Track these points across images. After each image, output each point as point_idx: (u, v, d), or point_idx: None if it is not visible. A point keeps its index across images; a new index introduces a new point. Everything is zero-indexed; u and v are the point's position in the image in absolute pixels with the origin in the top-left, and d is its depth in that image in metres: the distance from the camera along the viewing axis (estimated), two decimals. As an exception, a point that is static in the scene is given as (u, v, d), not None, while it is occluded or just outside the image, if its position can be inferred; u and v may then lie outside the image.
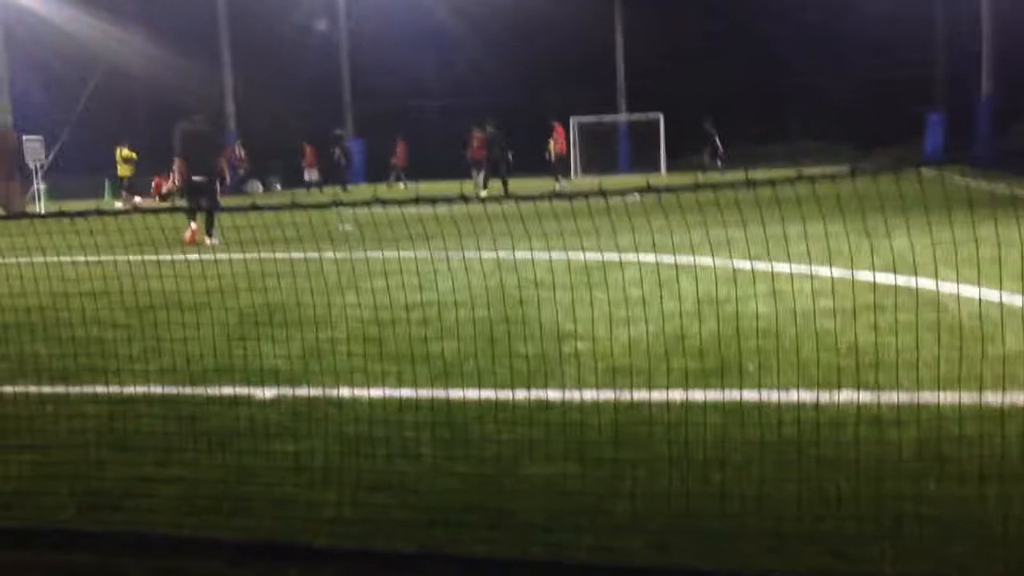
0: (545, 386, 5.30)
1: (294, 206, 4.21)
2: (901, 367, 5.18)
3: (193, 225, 15.95)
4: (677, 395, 5.03)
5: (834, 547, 3.31)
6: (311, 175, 39.00)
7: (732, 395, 4.93)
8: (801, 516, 3.51)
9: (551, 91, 40.26)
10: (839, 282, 8.12)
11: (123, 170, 32.08)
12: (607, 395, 5.12)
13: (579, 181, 35.84)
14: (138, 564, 3.44)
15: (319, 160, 39.37)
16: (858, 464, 3.90)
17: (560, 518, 3.62)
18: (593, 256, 10.43)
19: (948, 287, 7.63)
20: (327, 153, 39.62)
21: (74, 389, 5.78)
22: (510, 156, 29.19)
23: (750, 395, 4.96)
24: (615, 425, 4.58)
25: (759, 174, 4.80)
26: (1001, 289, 6.88)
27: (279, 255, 12.36)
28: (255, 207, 4.36)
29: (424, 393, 5.33)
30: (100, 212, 4.27)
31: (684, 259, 9.57)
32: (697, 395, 5.00)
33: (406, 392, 5.35)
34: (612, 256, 10.19)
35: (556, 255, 10.59)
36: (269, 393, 5.45)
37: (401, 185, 38.46)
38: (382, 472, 4.12)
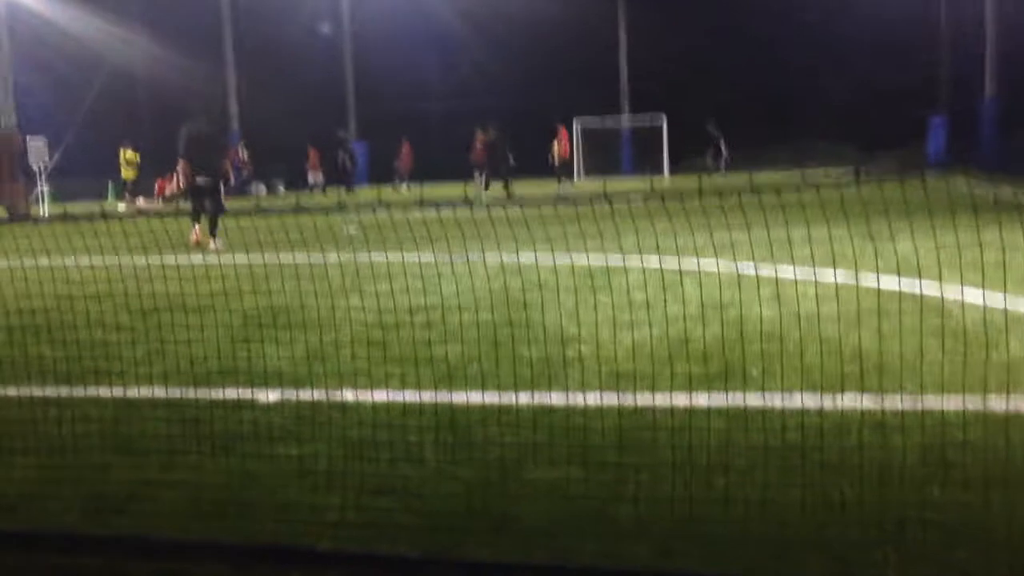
0: (549, 390, 5.30)
1: (299, 209, 4.22)
2: (905, 372, 5.18)
3: (197, 227, 15.96)
4: (681, 399, 5.03)
5: (838, 552, 3.31)
6: (315, 177, 39.04)
7: (736, 400, 4.93)
8: (805, 521, 3.51)
9: (554, 93, 40.24)
10: (843, 286, 8.11)
11: (126, 172, 32.12)
12: (611, 399, 5.12)
13: (582, 184, 35.86)
14: (142, 568, 3.44)
15: (323, 162, 39.40)
16: (862, 469, 3.90)
17: (564, 523, 3.62)
18: (597, 259, 10.42)
19: (952, 292, 7.62)
20: (331, 155, 39.66)
21: (78, 392, 5.78)
22: (511, 159, 29.26)
23: (754, 400, 4.96)
24: (619, 430, 4.58)
25: (763, 177, 4.80)
26: (1005, 294, 6.88)
27: (283, 258, 12.37)
28: (260, 209, 4.37)
29: (428, 397, 5.33)
30: (105, 215, 4.28)
31: (688, 263, 9.57)
32: (701, 399, 5.00)
33: (410, 396, 5.36)
34: (616, 259, 10.19)
35: (559, 258, 10.59)
36: (273, 396, 5.46)
37: (404, 188, 38.47)
38: (386, 476, 4.12)
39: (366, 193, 35.78)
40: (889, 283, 8.07)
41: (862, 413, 4.63)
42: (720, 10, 41.48)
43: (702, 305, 7.52)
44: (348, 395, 5.39)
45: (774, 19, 40.59)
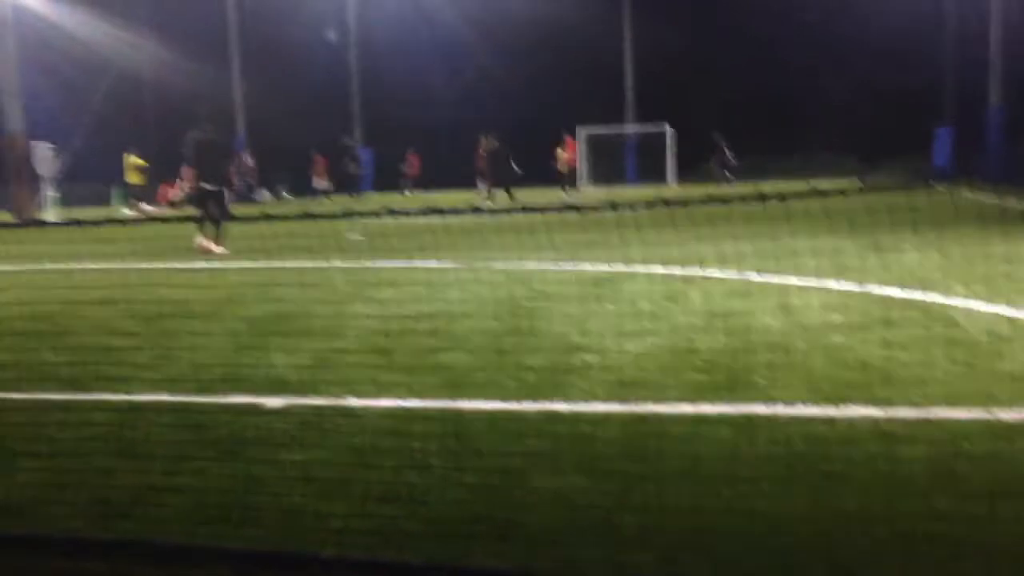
0: (554, 398, 5.29)
1: (305, 216, 4.23)
2: (911, 382, 5.17)
3: (202, 233, 15.98)
4: (686, 409, 5.02)
5: (844, 564, 3.29)
6: (320, 183, 39.11)
7: (742, 409, 4.92)
8: (811, 532, 3.50)
9: (560, 101, 40.30)
10: (849, 296, 8.10)
11: (132, 177, 32.19)
12: (616, 408, 5.11)
13: (587, 192, 35.87)
14: (147, 572, 3.44)
15: (329, 169, 39.48)
16: (868, 480, 3.89)
17: (569, 531, 3.61)
18: (602, 268, 10.42)
19: (958, 302, 7.61)
20: (338, 162, 39.73)
21: (84, 397, 5.78)
22: (513, 166, 29.41)
23: (760, 409, 4.95)
24: (624, 438, 4.58)
25: (768, 187, 4.80)
26: (1011, 305, 6.87)
27: (288, 264, 12.40)
28: (267, 216, 4.38)
29: (433, 404, 5.33)
30: (112, 221, 4.29)
31: (693, 271, 9.56)
32: (707, 409, 4.99)
33: (415, 403, 5.35)
34: (621, 268, 10.19)
35: (565, 266, 10.60)
36: (278, 402, 5.45)
37: (407, 194, 38.52)
38: (391, 483, 4.12)
39: (372, 200, 35.80)
40: (895, 293, 8.07)
41: (868, 423, 4.61)
42: (725, 19, 41.54)
43: (708, 314, 7.52)
44: (353, 402, 5.39)
45: (780, 29, 40.65)
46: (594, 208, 6.06)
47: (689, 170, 39.61)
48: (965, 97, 36.70)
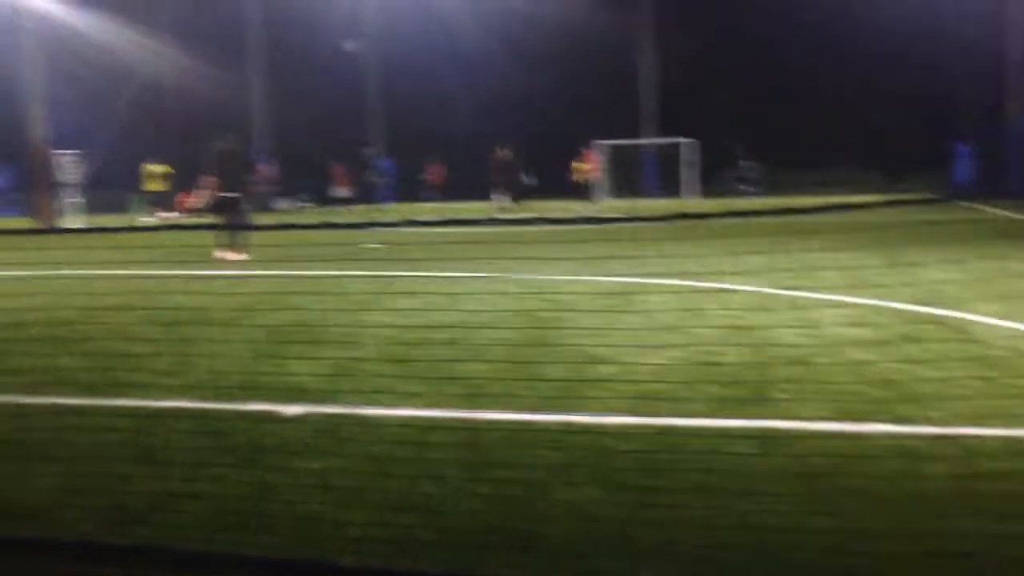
0: (572, 410, 5.27)
1: (324, 225, 4.23)
2: (933, 399, 5.13)
3: (222, 241, 16.05)
4: (705, 422, 4.99)
5: (865, 581, 3.26)
6: (340, 192, 39.21)
7: (761, 424, 4.89)
8: (830, 550, 3.46)
9: (579, 113, 40.32)
10: (870, 312, 8.05)
11: (151, 185, 32.36)
12: (634, 421, 5.08)
13: (606, 204, 35.83)
14: (163, 579, 3.44)
15: (350, 178, 39.58)
16: (888, 497, 3.85)
17: (587, 543, 3.59)
18: (622, 280, 10.40)
19: (980, 319, 7.55)
20: (360, 172, 39.84)
21: (102, 402, 5.80)
22: (524, 178, 29.56)
23: (779, 424, 4.91)
24: (642, 451, 4.55)
25: (790, 201, 4.78)
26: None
27: (307, 272, 12.43)
28: (289, 225, 4.38)
29: (450, 414, 5.32)
30: (133, 228, 4.31)
31: (714, 284, 9.52)
32: (725, 423, 4.96)
33: (432, 412, 5.34)
34: (641, 280, 10.16)
35: (584, 278, 10.58)
36: (296, 410, 5.46)
37: (426, 204, 38.59)
38: (408, 492, 4.10)
39: (394, 209, 35.90)
40: (917, 309, 8.02)
41: (889, 440, 4.57)
42: (748, 31, 41.51)
43: (728, 328, 7.49)
44: (371, 411, 5.38)
45: (805, 43, 40.57)
46: (613, 220, 6.04)
47: (709, 182, 39.55)
48: (984, 112, 36.53)
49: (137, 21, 39.82)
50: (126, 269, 12.82)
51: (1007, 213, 20.33)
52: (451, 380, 6.03)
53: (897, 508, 3.78)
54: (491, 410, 5.32)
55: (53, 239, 18.71)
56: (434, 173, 40.31)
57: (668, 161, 41.50)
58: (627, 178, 39.85)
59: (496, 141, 31.21)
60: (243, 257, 15.20)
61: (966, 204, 23.09)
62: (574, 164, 35.11)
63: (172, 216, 31.12)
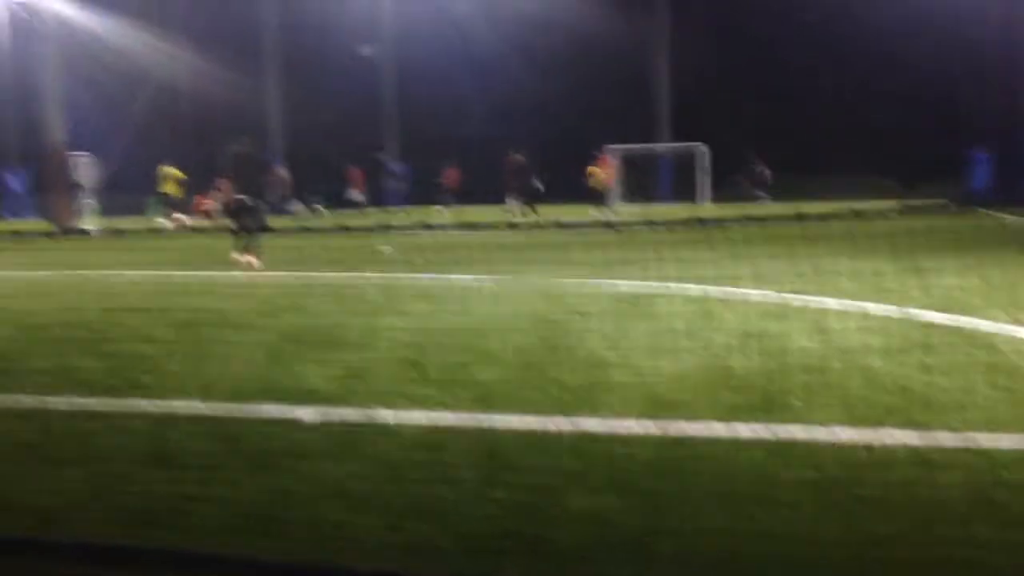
0: (586, 416, 5.27)
1: (339, 228, 4.24)
2: (950, 408, 5.10)
3: (238, 245, 16.11)
4: (720, 429, 4.97)
5: (881, 590, 3.25)
6: (355, 195, 39.27)
7: (777, 431, 4.87)
8: (847, 558, 3.45)
9: (594, 118, 40.30)
10: (887, 319, 8.02)
11: (168, 188, 32.48)
12: (649, 427, 5.07)
13: (620, 210, 35.80)
14: (179, 582, 3.45)
15: (365, 182, 39.65)
16: (905, 506, 3.83)
17: (599, 550, 3.59)
18: (636, 285, 10.38)
19: (999, 327, 7.50)
20: (374, 177, 39.93)
21: (119, 404, 5.83)
22: (536, 183, 29.59)
23: (795, 432, 4.90)
24: (657, 458, 4.54)
25: (806, 207, 4.77)
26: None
27: (322, 276, 12.46)
28: (302, 229, 4.40)
29: (465, 419, 5.32)
30: (149, 230, 4.33)
31: (728, 291, 9.50)
32: (742, 430, 4.94)
33: (447, 417, 5.35)
34: (655, 286, 10.14)
35: (599, 283, 10.57)
36: (310, 414, 5.47)
37: (440, 209, 38.64)
38: (423, 497, 4.11)
39: (409, 214, 35.96)
40: (935, 317, 7.97)
41: (906, 449, 4.55)
42: (763, 37, 41.42)
43: (743, 334, 7.46)
44: (386, 415, 5.39)
45: (820, 49, 40.45)
46: (628, 225, 6.02)
47: (723, 188, 39.46)
48: (1002, 119, 36.33)
49: (153, 25, 40.04)
50: (144, 271, 12.89)
51: (1024, 220, 20.22)
52: (465, 384, 6.03)
53: (913, 516, 3.76)
54: (506, 414, 5.32)
55: (72, 241, 18.83)
56: (449, 177, 40.39)
57: (682, 166, 41.43)
58: (640, 184, 39.78)
59: (510, 146, 31.25)
60: (258, 261, 15.25)
61: (983, 211, 22.99)
62: (591, 169, 35.08)
63: (188, 220, 31.22)
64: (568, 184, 33.34)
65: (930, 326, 7.68)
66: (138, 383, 6.31)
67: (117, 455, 4.82)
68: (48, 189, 31.76)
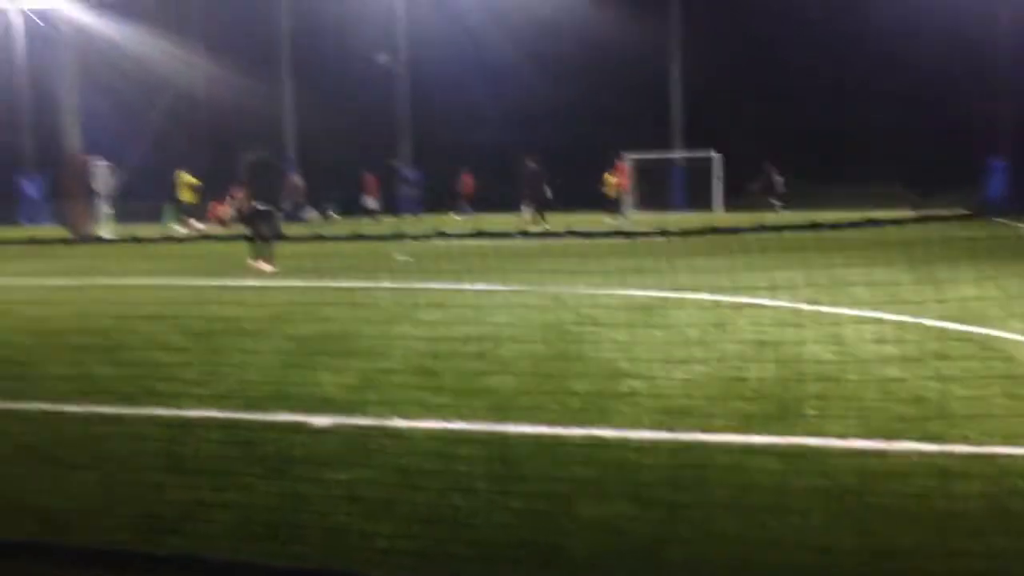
0: (600, 424, 5.27)
1: (353, 236, 4.26)
2: (966, 418, 5.08)
3: (253, 252, 16.17)
4: (734, 438, 4.97)
5: (895, 601, 3.23)
6: (369, 202, 39.36)
7: (791, 440, 4.86)
8: (859, 567, 3.44)
9: (607, 125, 40.28)
10: (903, 328, 7.99)
11: (184, 195, 32.63)
12: (662, 435, 5.07)
13: (634, 218, 35.79)
14: (193, 588, 3.46)
15: (380, 189, 39.75)
16: (920, 516, 3.82)
17: (613, 558, 3.59)
18: (650, 294, 10.37)
19: (1015, 337, 7.47)
20: (388, 184, 40.03)
21: (135, 411, 5.86)
22: (547, 190, 29.63)
23: (809, 441, 4.89)
24: (670, 467, 4.54)
25: (821, 216, 4.76)
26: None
27: (336, 284, 12.49)
28: (316, 236, 4.42)
29: (479, 427, 5.32)
30: (165, 238, 4.36)
31: (743, 300, 9.48)
32: (754, 439, 4.94)
33: (461, 425, 5.35)
34: (669, 294, 10.13)
35: (613, 292, 10.56)
36: (325, 421, 5.48)
37: (454, 215, 38.68)
38: (436, 505, 4.12)
39: (424, 221, 36.01)
40: (951, 326, 7.93)
41: (921, 458, 4.53)
42: (777, 44, 41.35)
43: (757, 343, 7.45)
44: (400, 423, 5.40)
45: (835, 57, 40.37)
46: (642, 233, 6.04)
47: (737, 196, 39.37)
48: (1019, 127, 36.18)
49: (171, 32, 40.28)
50: (159, 278, 12.96)
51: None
52: (480, 393, 6.04)
53: (927, 526, 3.75)
54: (519, 423, 5.32)
55: (88, 248, 18.94)
56: (464, 184, 40.47)
57: (697, 174, 41.40)
58: (654, 191, 39.77)
59: (524, 152, 31.27)
60: (273, 268, 15.30)
61: (1000, 220, 22.87)
62: (606, 176, 35.07)
63: (204, 227, 31.35)
64: (582, 191, 33.35)
65: (946, 335, 7.64)
66: (153, 390, 6.34)
67: (132, 461, 4.85)
68: (65, 196, 31.91)
